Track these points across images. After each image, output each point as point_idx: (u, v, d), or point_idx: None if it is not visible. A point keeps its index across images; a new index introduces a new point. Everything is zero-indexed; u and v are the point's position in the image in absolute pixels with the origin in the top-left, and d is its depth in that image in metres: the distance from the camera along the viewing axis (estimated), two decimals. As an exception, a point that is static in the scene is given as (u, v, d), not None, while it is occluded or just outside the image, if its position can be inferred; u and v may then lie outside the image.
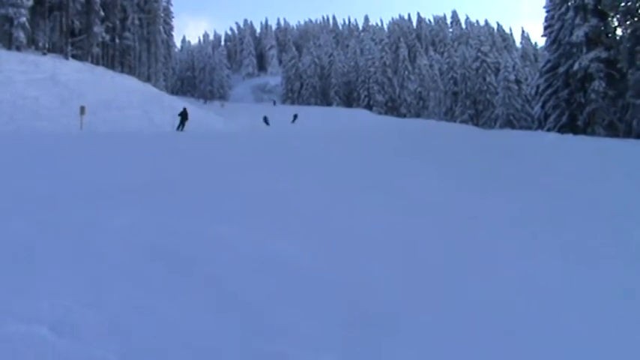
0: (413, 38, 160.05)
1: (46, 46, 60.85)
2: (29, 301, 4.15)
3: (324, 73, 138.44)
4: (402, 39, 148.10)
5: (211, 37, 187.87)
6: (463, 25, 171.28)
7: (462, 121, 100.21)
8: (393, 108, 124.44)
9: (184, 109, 42.30)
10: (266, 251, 6.16)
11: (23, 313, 3.93)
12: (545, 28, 54.16)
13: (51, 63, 52.35)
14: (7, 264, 5.07)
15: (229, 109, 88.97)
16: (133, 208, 7.92)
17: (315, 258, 6.12)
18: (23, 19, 55.54)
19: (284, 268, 5.70)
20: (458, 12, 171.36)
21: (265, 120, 58.59)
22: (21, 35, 55.42)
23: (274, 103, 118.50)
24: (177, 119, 41.05)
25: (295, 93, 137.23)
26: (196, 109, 58.80)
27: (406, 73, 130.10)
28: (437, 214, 9.16)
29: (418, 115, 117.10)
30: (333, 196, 10.29)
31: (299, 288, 5.21)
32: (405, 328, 4.52)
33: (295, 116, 70.31)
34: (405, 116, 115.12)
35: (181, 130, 38.97)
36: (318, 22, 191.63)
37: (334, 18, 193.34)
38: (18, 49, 54.88)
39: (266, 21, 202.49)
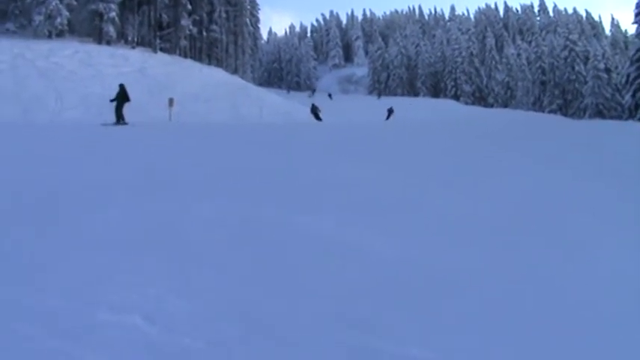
0: (500, 27, 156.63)
1: (135, 39, 61.98)
2: (121, 290, 4.28)
3: (411, 63, 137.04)
4: (488, 28, 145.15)
5: (297, 29, 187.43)
6: (551, 13, 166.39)
7: (551, 111, 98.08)
8: (480, 98, 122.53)
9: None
10: (350, 241, 6.08)
11: (116, 302, 4.04)
12: (637, 15, 52.48)
13: (140, 56, 53.40)
14: (100, 253, 5.22)
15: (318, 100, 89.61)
16: (217, 197, 8.10)
17: (401, 248, 5.95)
18: (113, 14, 56.83)
19: (367, 257, 5.56)
20: (545, 0, 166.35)
21: (314, 110, 46.05)
22: (111, 30, 56.70)
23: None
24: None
25: (382, 84, 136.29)
26: (282, 100, 59.06)
27: (493, 62, 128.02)
28: (534, 211, 8.72)
29: (506, 105, 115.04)
30: (422, 187, 10.06)
31: (383, 278, 5.04)
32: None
33: (390, 111, 58.16)
34: (492, 106, 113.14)
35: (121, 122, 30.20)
36: (404, 12, 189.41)
37: (420, 8, 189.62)
38: (108, 43, 56.10)
39: (352, 12, 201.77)
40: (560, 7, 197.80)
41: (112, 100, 29.62)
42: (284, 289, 4.65)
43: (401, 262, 5.51)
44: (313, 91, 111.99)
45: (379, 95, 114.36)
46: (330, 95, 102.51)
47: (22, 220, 6.50)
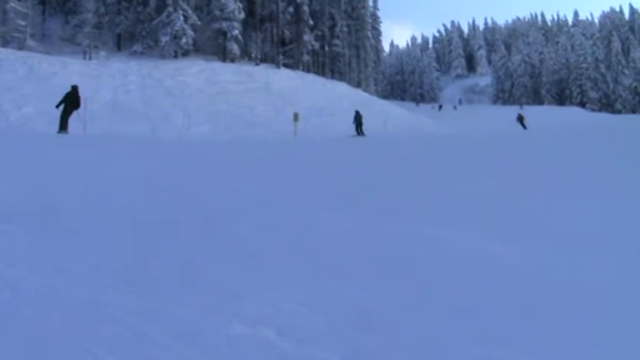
0: (626, 30, 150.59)
1: (258, 56, 62.98)
2: (255, 303, 4.29)
3: (535, 71, 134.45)
4: (614, 32, 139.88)
5: (419, 40, 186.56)
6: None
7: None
8: (607, 104, 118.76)
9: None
10: (486, 254, 5.87)
11: (249, 315, 4.04)
12: None
13: (263, 73, 54.06)
14: (233, 266, 5.22)
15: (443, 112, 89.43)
16: (346, 210, 7.96)
17: (535, 260, 5.72)
18: (236, 32, 58.19)
19: (504, 271, 5.38)
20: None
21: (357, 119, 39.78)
22: (234, 47, 58.02)
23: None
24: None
25: (506, 93, 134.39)
26: (406, 112, 58.83)
27: (620, 67, 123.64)
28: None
29: (634, 111, 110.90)
30: (551, 196, 9.60)
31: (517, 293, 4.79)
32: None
33: (521, 119, 51.99)
34: (620, 112, 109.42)
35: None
36: (527, 19, 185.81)
37: (542, 14, 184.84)
38: (232, 60, 57.35)
39: (473, 21, 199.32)
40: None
41: (57, 106, 24.22)
42: (417, 301, 4.54)
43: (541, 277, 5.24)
44: (440, 106, 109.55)
45: (521, 105, 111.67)
46: (455, 106, 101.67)
47: (172, 232, 6.48)
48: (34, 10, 57.00)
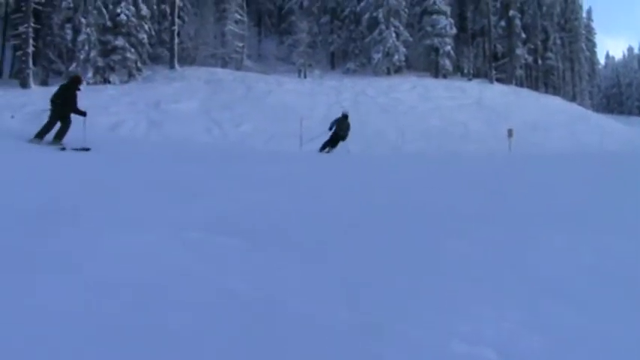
0: None
1: (471, 71, 63.03)
2: (473, 321, 4.24)
3: None
4: None
5: (636, 51, 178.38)
6: None
7: None
8: None
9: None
10: None
11: (468, 333, 4.00)
12: None
13: (476, 88, 53.74)
14: (450, 283, 5.16)
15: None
16: (559, 227, 7.71)
17: None
18: (448, 48, 58.85)
19: None
20: None
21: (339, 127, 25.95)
22: (447, 63, 58.70)
23: None
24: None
25: None
26: (624, 127, 56.59)
27: None
28: None
29: None
30: None
31: None
32: None
33: None
34: None
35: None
36: None
37: None
38: (444, 76, 57.96)
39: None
40: None
41: (52, 100, 16.04)
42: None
43: None
44: None
45: None
46: None
47: (392, 249, 6.40)
48: (251, 31, 60.55)
